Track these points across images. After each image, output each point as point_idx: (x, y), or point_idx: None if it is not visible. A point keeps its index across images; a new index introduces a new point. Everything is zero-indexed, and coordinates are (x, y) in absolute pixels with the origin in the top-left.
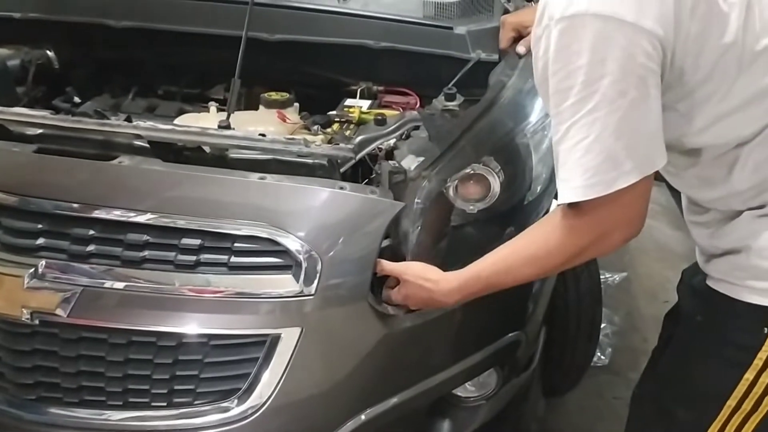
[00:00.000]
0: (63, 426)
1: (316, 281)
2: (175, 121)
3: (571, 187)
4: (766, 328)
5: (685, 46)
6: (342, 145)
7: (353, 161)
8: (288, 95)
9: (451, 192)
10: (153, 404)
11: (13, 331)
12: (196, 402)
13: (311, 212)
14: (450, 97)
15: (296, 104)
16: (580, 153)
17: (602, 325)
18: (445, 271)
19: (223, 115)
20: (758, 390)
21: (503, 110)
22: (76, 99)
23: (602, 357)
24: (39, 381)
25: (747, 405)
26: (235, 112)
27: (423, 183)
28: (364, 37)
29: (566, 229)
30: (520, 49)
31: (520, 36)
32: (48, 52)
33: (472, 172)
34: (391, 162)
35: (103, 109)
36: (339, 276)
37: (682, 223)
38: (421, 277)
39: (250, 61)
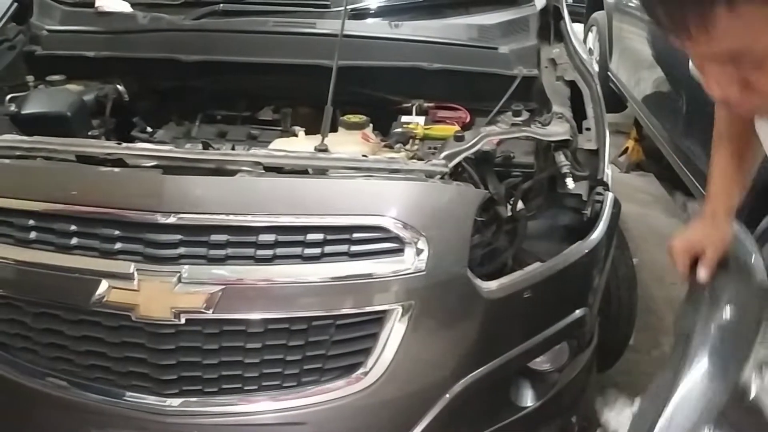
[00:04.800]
0: (204, 415)
1: (425, 259)
2: (270, 146)
3: None
4: None
5: None
6: (435, 160)
7: (446, 173)
8: (365, 117)
9: None
10: (284, 385)
11: (158, 332)
12: (322, 379)
13: (415, 201)
14: (517, 113)
15: (371, 125)
16: None
17: None
18: None
19: (311, 139)
20: None
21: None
22: (149, 129)
23: None
24: (181, 376)
25: None
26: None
27: None
28: (416, 59)
29: None
30: (702, 274)
31: (695, 259)
32: (118, 86)
33: None
34: None
35: (176, 136)
36: (444, 252)
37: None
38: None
39: (307, 84)
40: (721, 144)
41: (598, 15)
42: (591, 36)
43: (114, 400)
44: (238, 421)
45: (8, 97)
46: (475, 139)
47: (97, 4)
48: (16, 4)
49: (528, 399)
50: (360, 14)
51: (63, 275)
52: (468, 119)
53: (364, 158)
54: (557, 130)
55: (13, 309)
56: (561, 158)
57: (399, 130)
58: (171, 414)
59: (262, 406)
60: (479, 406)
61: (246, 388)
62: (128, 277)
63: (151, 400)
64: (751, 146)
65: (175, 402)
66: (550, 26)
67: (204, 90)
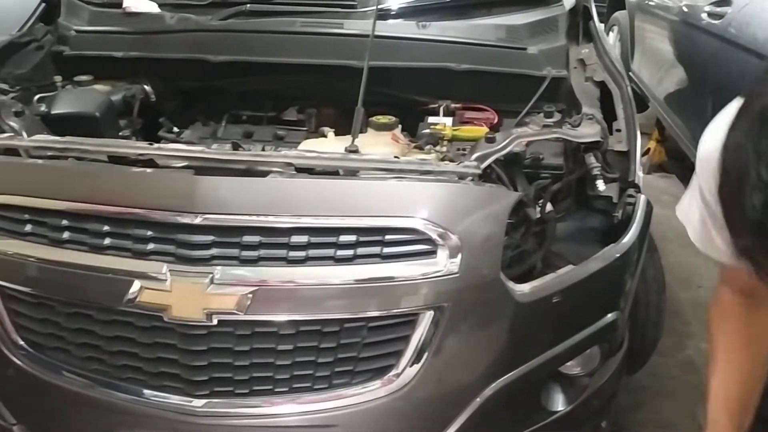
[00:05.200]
0: (234, 416)
1: (458, 262)
2: (300, 147)
3: None
4: None
5: None
6: (466, 162)
7: (478, 175)
8: (394, 118)
9: None
10: (315, 387)
11: (190, 333)
12: (353, 381)
13: (448, 203)
14: (549, 115)
15: (400, 126)
16: None
17: None
18: None
19: (341, 140)
20: None
21: None
22: (175, 129)
23: None
24: (212, 377)
25: None
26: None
27: None
28: (444, 60)
29: None
30: None
31: None
32: (145, 86)
33: None
34: None
35: (202, 136)
36: (477, 255)
37: None
38: None
39: (334, 85)
40: (720, 367)
41: (620, 14)
42: (612, 36)
43: (144, 401)
44: (268, 422)
45: (36, 97)
46: (507, 141)
47: (124, 5)
48: (43, 5)
49: (559, 403)
50: (387, 15)
51: (95, 275)
52: (496, 120)
53: (395, 159)
54: (588, 131)
55: (45, 309)
56: (591, 160)
57: (427, 131)
58: (202, 415)
59: (293, 407)
60: (510, 410)
61: (277, 390)
62: (161, 277)
63: (183, 401)
64: (760, 369)
65: (202, 403)
66: (578, 26)
67: (230, 90)
